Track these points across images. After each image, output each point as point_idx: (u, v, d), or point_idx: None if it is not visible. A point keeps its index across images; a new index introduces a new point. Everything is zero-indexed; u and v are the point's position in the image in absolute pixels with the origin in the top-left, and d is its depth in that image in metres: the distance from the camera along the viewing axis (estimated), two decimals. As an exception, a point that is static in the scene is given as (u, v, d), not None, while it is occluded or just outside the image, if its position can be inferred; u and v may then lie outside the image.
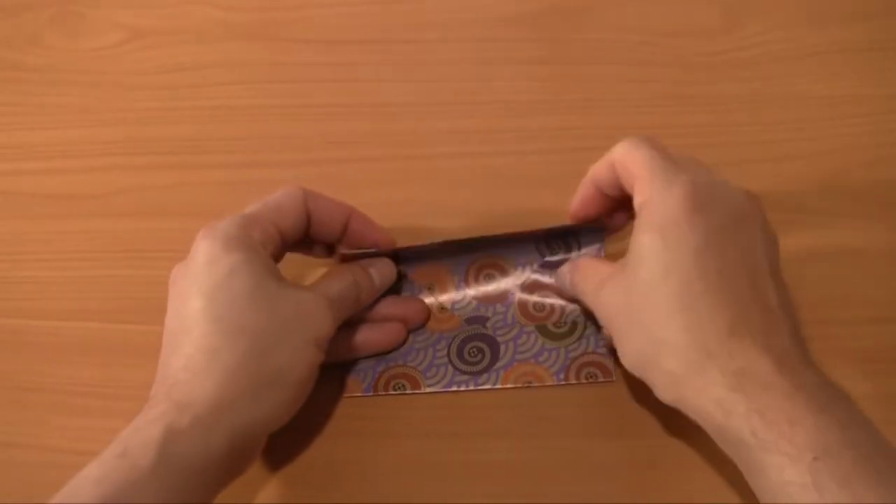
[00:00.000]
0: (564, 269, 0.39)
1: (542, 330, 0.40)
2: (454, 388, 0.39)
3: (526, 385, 0.39)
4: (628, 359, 0.33)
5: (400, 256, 0.41)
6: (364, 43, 0.51)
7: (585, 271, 0.37)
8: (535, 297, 0.41)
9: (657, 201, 0.32)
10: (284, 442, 0.38)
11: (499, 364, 0.40)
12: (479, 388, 0.39)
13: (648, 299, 0.31)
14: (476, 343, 0.40)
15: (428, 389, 0.39)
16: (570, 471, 0.37)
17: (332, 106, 0.49)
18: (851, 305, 0.41)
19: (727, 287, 0.31)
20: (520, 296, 0.41)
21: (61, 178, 0.47)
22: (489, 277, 0.41)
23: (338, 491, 0.37)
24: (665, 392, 0.32)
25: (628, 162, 0.34)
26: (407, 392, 0.40)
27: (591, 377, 0.39)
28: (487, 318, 0.41)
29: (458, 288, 0.41)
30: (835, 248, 0.42)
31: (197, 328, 0.33)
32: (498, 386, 0.39)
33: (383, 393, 0.40)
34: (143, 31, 0.53)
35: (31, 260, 0.45)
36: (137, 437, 0.30)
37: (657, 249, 0.31)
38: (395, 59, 0.51)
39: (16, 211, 0.47)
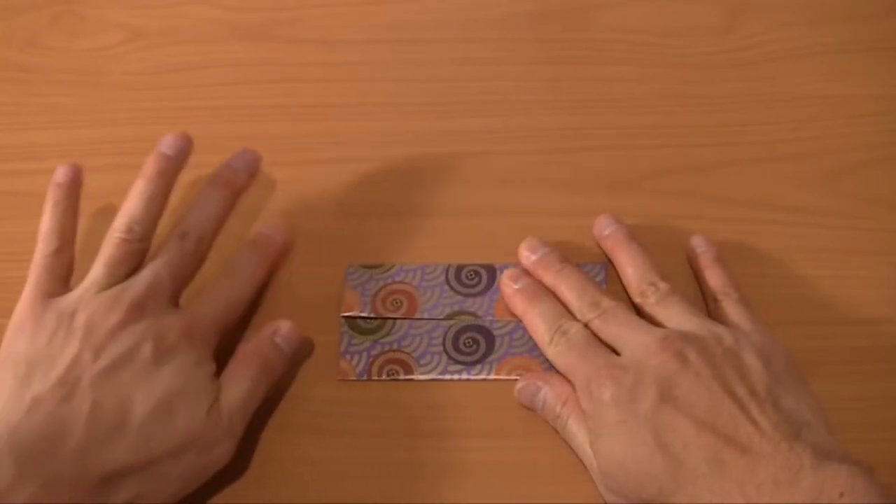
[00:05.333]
0: (533, 384, 0.38)
1: None
2: (447, 377, 0.40)
3: (517, 377, 0.39)
4: (612, 451, 0.34)
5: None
6: (364, 43, 0.51)
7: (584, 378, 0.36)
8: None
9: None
10: (277, 441, 0.38)
11: (493, 356, 0.40)
12: (472, 378, 0.39)
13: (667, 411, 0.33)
14: (472, 334, 0.41)
15: (421, 376, 0.40)
16: (569, 471, 0.37)
17: (332, 106, 0.49)
18: (851, 305, 0.41)
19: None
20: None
21: (61, 178, 0.47)
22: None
23: (335, 491, 0.37)
24: (650, 486, 0.32)
25: None
26: (400, 378, 0.40)
27: None
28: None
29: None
30: (835, 248, 0.42)
31: None
32: (491, 377, 0.39)
33: (376, 378, 0.40)
34: (143, 31, 0.53)
35: (31, 260, 0.45)
36: None
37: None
38: (395, 59, 0.51)
39: (16, 211, 0.47)
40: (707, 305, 0.40)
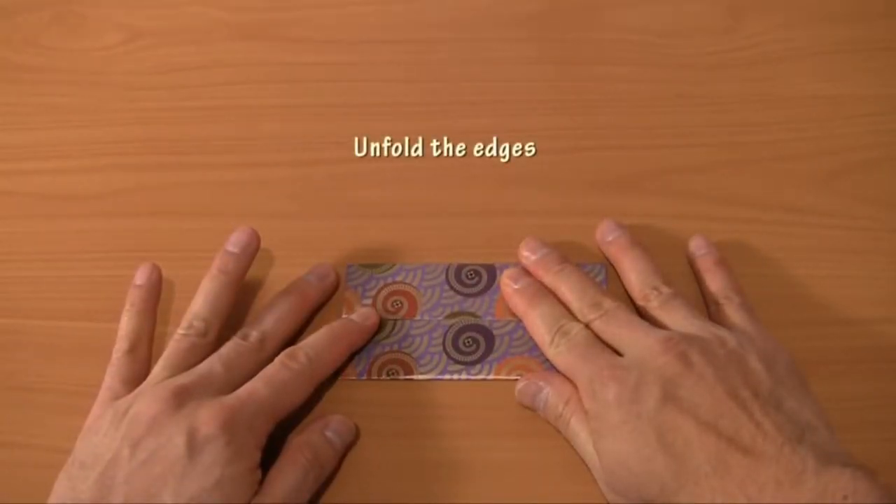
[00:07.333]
0: (531, 387, 0.38)
1: None
2: (447, 377, 0.40)
3: (517, 377, 0.39)
4: (616, 451, 0.34)
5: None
6: (364, 43, 0.51)
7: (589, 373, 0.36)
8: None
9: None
10: (278, 440, 0.38)
11: (493, 356, 0.40)
12: (472, 378, 0.39)
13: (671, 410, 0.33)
14: (472, 334, 0.41)
15: (421, 377, 0.40)
16: (570, 471, 0.37)
17: (332, 106, 0.49)
18: (851, 305, 0.41)
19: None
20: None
21: (61, 178, 0.47)
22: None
23: (335, 491, 0.37)
24: (652, 486, 0.32)
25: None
26: (400, 378, 0.40)
27: None
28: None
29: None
30: (835, 248, 0.42)
31: None
32: (490, 377, 0.39)
33: (376, 378, 0.40)
34: (143, 31, 0.53)
35: (31, 260, 0.45)
36: None
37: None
38: (395, 59, 0.51)
39: (16, 211, 0.47)
40: (708, 308, 0.40)
